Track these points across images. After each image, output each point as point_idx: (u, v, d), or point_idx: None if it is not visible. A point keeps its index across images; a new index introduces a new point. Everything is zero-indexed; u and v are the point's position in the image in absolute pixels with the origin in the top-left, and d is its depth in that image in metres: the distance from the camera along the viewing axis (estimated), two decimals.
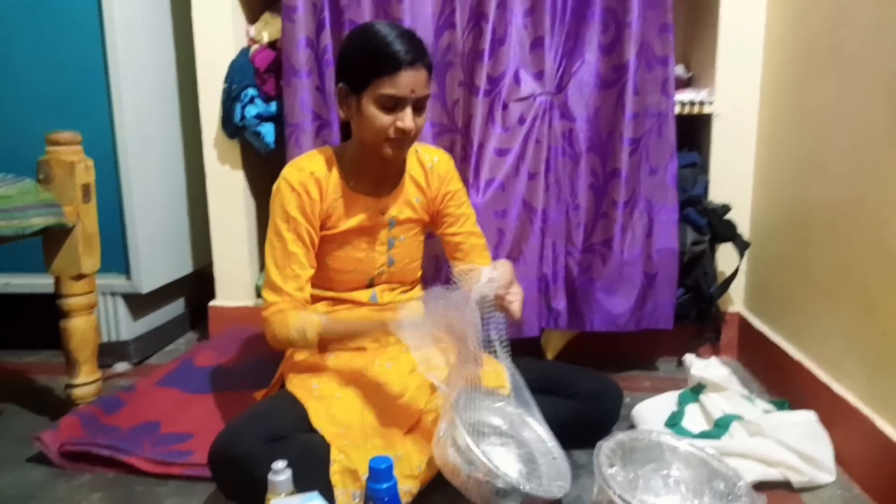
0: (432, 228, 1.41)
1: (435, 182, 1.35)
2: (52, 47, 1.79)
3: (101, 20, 1.76)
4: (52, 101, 1.81)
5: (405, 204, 1.33)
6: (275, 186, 1.25)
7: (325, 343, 1.22)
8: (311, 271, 1.25)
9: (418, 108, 1.17)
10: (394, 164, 1.28)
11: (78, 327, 1.48)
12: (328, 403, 1.18)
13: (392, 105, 1.15)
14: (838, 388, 1.29)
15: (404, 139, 1.18)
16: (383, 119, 1.15)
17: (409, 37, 1.16)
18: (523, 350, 1.71)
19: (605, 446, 0.99)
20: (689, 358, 1.40)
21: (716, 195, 1.79)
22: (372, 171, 1.27)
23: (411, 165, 1.34)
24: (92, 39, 1.77)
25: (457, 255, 1.39)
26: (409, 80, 1.13)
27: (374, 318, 1.27)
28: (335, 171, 1.26)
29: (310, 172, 1.23)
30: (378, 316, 1.26)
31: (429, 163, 1.35)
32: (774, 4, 1.68)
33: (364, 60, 1.15)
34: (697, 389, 1.34)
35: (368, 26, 1.19)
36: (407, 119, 1.15)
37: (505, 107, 1.67)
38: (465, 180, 1.57)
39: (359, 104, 1.17)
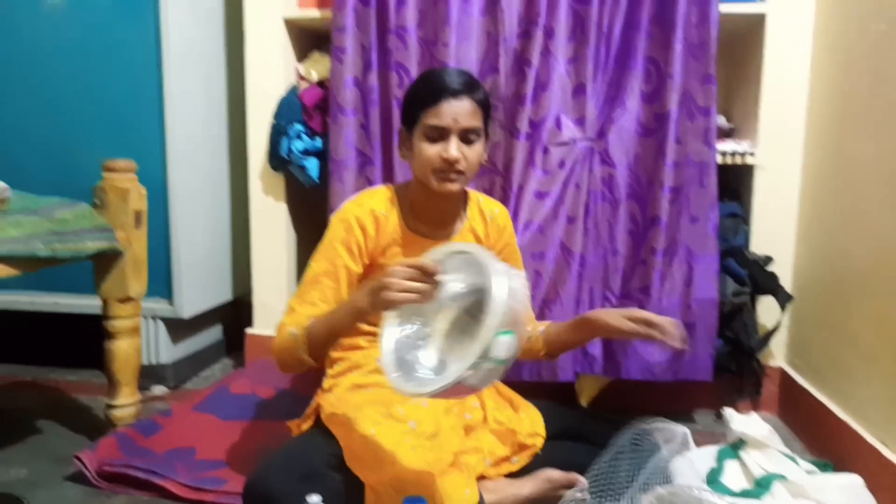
0: None
1: (494, 233, 1.36)
2: (112, 80, 1.88)
3: (159, 56, 1.85)
4: (108, 130, 1.90)
5: None
6: (333, 216, 1.27)
7: (318, 349, 1.13)
8: (333, 305, 1.20)
9: (467, 140, 1.18)
10: (450, 202, 1.28)
11: (121, 349, 1.52)
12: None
13: (437, 135, 1.17)
14: (886, 453, 1.25)
15: (450, 170, 1.18)
16: (429, 150, 1.18)
17: (457, 72, 1.21)
18: (557, 395, 1.70)
19: (645, 500, 0.97)
20: (729, 412, 1.37)
21: (757, 247, 1.77)
22: (430, 211, 1.29)
23: (472, 215, 1.35)
24: (150, 74, 1.86)
25: None
26: (450, 110, 1.16)
27: (345, 302, 1.14)
28: (395, 210, 1.28)
29: (370, 209, 1.25)
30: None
31: (489, 214, 1.36)
32: (818, 59, 1.69)
33: (413, 97, 1.20)
34: (737, 445, 1.31)
35: (426, 70, 1.23)
36: (451, 148, 1.16)
37: (545, 151, 1.69)
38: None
39: (412, 142, 1.21)
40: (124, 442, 1.41)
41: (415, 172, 1.25)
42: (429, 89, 1.18)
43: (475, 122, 1.19)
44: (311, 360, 1.15)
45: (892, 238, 1.29)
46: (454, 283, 1.02)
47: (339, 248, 1.23)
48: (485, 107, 1.21)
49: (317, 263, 1.23)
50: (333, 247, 1.23)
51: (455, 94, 1.16)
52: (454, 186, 1.21)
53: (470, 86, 1.19)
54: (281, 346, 1.18)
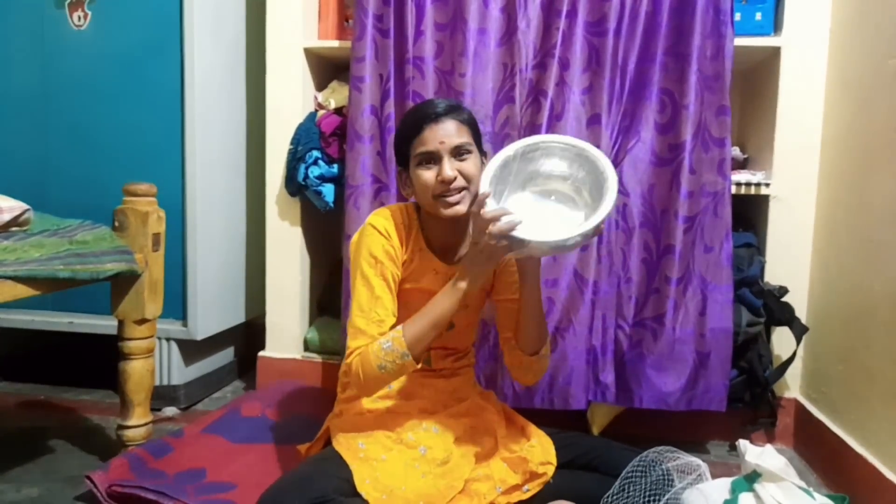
0: (490, 293, 1.41)
1: None
2: (136, 108, 1.94)
3: (182, 85, 1.90)
4: (130, 156, 1.95)
5: None
6: (357, 234, 1.27)
7: (419, 348, 1.18)
8: (394, 319, 1.23)
9: (459, 157, 1.21)
10: (459, 225, 1.28)
11: (136, 370, 1.53)
12: (373, 466, 1.18)
13: (429, 161, 1.20)
14: None
15: (451, 191, 1.20)
16: (426, 176, 1.20)
17: (437, 100, 1.25)
18: (569, 422, 1.69)
19: None
20: (744, 444, 1.35)
21: (772, 277, 1.76)
22: (440, 235, 1.30)
23: None
24: (172, 102, 1.91)
25: (509, 322, 1.37)
26: (434, 134, 1.19)
27: (439, 291, 1.21)
28: (416, 226, 1.29)
29: (393, 221, 1.26)
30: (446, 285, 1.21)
31: None
32: (833, 92, 1.70)
33: (399, 135, 1.26)
34: (752, 478, 1.29)
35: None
36: (445, 169, 1.18)
37: None
38: None
39: (409, 178, 1.24)
40: (135, 463, 1.41)
41: (421, 204, 1.27)
42: (411, 122, 1.23)
43: (463, 138, 1.21)
44: (416, 363, 1.19)
45: None
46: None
47: (383, 259, 1.23)
48: (470, 125, 1.24)
49: (370, 280, 1.22)
50: (378, 258, 1.22)
51: (436, 118, 1.20)
52: (461, 207, 1.21)
53: (450, 108, 1.23)
54: (373, 372, 1.16)
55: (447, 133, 1.20)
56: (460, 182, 1.20)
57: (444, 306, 1.19)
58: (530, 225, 1.12)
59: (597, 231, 1.12)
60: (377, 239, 1.23)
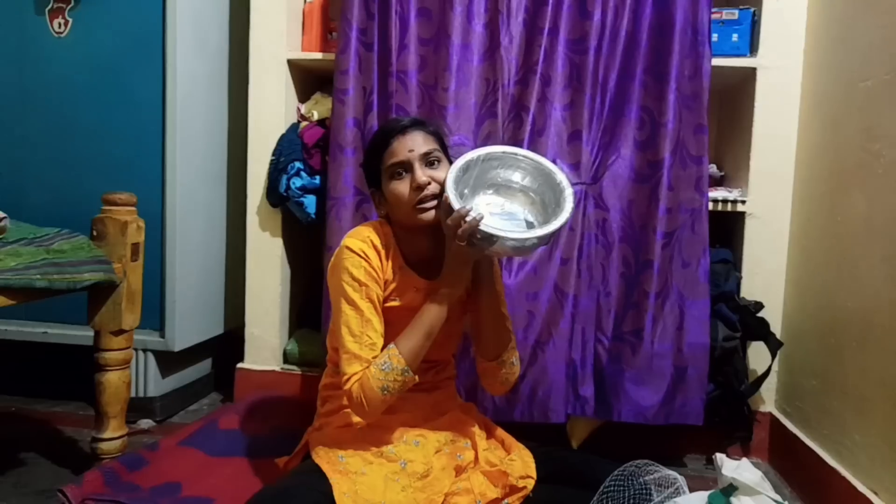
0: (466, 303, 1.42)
1: None
2: (116, 116, 1.92)
3: (163, 94, 1.89)
4: (110, 164, 1.92)
5: None
6: (335, 258, 1.27)
7: (417, 361, 1.21)
8: (382, 340, 1.23)
9: (430, 164, 1.24)
10: (436, 237, 1.27)
11: (111, 381, 1.51)
12: (353, 480, 1.17)
13: (401, 171, 1.23)
14: (877, 501, 1.25)
15: (427, 196, 1.21)
16: (400, 187, 1.22)
17: (402, 117, 1.29)
18: (548, 436, 1.69)
19: None
20: (720, 457, 1.36)
21: (748, 293, 1.79)
22: (420, 251, 1.30)
23: None
24: (153, 111, 1.90)
25: None
26: (403, 145, 1.23)
27: (425, 303, 1.24)
28: (393, 244, 1.29)
29: (369, 240, 1.26)
30: (427, 298, 1.25)
31: None
32: (807, 112, 1.74)
33: (367, 155, 1.29)
34: (728, 491, 1.30)
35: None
36: (418, 175, 1.21)
37: None
38: (498, 262, 1.60)
39: (383, 196, 1.26)
40: (109, 476, 1.38)
41: (397, 218, 1.27)
42: (379, 138, 1.27)
43: (431, 145, 1.24)
44: (415, 377, 1.21)
45: (884, 291, 1.31)
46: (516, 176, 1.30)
47: (367, 282, 1.23)
48: (436, 135, 1.28)
49: (357, 304, 1.22)
50: (362, 281, 1.22)
51: (402, 130, 1.24)
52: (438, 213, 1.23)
53: (415, 121, 1.27)
54: (376, 396, 1.17)
55: (415, 142, 1.23)
56: (434, 188, 1.22)
57: (433, 316, 1.22)
58: (492, 223, 1.17)
59: (551, 237, 1.22)
60: (357, 261, 1.23)
